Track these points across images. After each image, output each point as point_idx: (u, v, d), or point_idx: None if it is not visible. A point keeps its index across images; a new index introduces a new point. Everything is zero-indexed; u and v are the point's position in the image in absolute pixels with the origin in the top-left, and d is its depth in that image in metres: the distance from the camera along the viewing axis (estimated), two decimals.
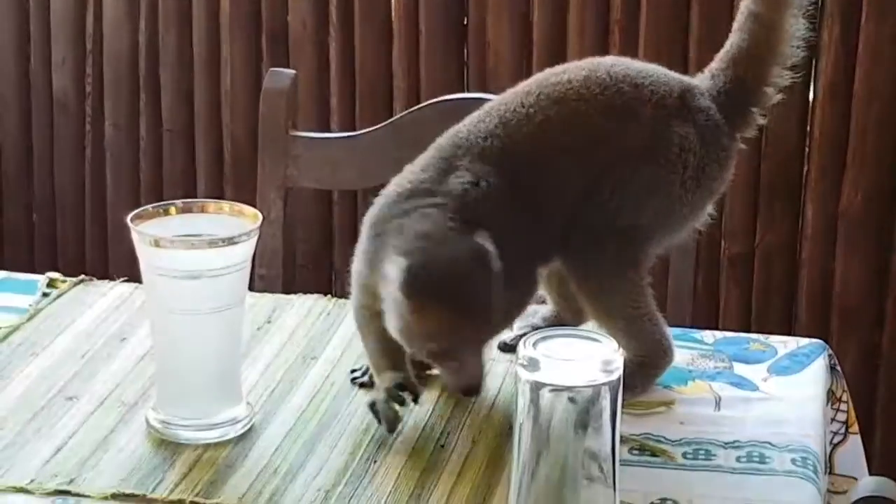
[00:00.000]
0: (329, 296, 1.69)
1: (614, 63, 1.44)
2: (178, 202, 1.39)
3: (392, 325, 1.34)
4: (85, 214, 2.92)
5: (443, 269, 1.30)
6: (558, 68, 1.45)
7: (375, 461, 1.36)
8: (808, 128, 2.51)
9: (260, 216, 1.37)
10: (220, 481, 1.32)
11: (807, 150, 2.53)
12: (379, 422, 1.39)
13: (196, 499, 1.29)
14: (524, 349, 1.16)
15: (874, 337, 2.55)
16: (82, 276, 1.70)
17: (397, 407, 1.39)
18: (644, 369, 1.46)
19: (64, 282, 1.68)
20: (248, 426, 1.40)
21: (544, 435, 1.17)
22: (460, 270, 1.30)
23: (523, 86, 1.46)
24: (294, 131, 1.95)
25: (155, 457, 1.36)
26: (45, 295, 1.65)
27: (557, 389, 1.14)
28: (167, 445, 1.37)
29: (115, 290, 1.67)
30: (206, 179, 2.81)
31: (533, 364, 1.14)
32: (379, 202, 1.41)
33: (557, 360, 1.14)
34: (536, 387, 1.14)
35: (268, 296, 1.69)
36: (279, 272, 1.96)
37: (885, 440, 2.58)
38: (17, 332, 1.57)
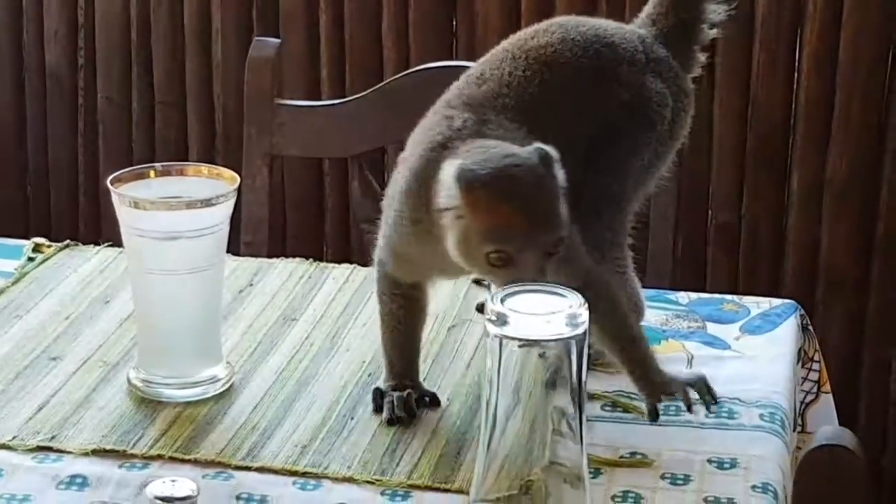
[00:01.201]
0: (311, 260, 1.71)
1: (577, 23, 1.45)
2: (158, 165, 1.42)
3: (452, 240, 1.27)
4: (78, 187, 2.94)
5: (500, 162, 1.24)
6: (526, 32, 1.45)
7: (353, 418, 1.39)
8: (794, 97, 2.53)
9: (238, 179, 1.39)
10: (199, 437, 1.35)
11: (792, 119, 2.55)
12: (377, 409, 1.38)
13: (175, 454, 1.32)
14: (491, 304, 1.18)
15: (860, 303, 2.57)
16: (68, 242, 1.72)
17: (403, 414, 1.37)
18: None
19: (49, 247, 1.71)
20: (228, 385, 1.43)
21: (512, 390, 1.20)
22: (519, 166, 1.24)
23: (500, 52, 1.44)
24: (279, 100, 1.97)
25: (135, 414, 1.38)
26: (30, 259, 1.68)
27: (524, 343, 1.16)
28: (148, 403, 1.40)
29: (99, 255, 1.70)
30: (198, 151, 2.83)
31: (500, 319, 1.17)
32: (414, 159, 1.34)
33: (524, 314, 1.17)
34: (504, 341, 1.17)
35: (251, 260, 1.72)
36: (265, 239, 1.99)
37: (869, 407, 2.60)
38: (2, 295, 1.60)
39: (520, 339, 1.17)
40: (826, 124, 2.51)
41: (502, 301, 1.18)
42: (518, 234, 1.23)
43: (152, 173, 1.41)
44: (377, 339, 1.51)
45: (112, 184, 1.37)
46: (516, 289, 1.21)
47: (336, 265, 1.70)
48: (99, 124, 2.90)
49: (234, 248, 1.81)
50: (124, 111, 2.88)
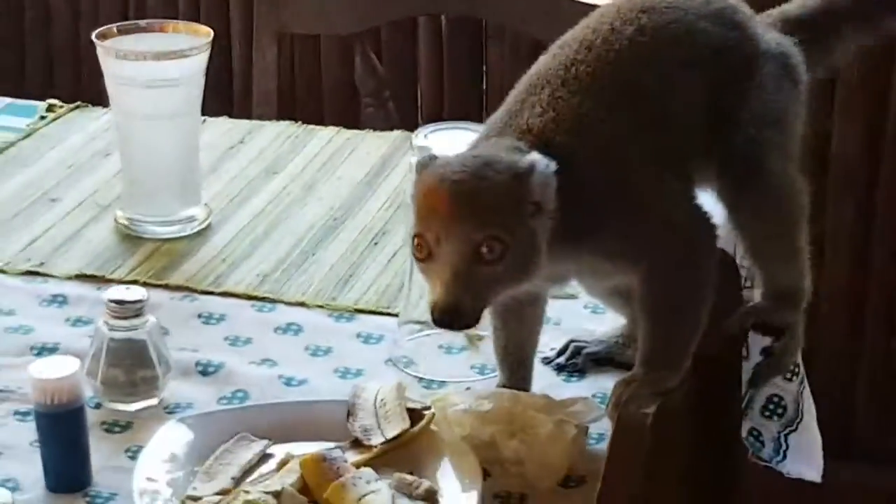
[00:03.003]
0: (300, 122, 1.84)
1: None
2: (141, 22, 1.55)
3: None
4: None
5: (461, 157, 1.13)
6: None
7: (314, 254, 1.52)
8: None
9: (211, 33, 1.52)
10: (173, 268, 1.49)
11: None
12: None
13: (148, 280, 1.46)
14: (416, 139, 1.31)
15: None
16: (78, 103, 1.87)
17: None
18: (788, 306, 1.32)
19: (62, 107, 1.85)
20: (205, 224, 1.57)
21: None
22: (479, 166, 1.11)
23: (593, 14, 1.26)
24: None
25: (118, 248, 1.53)
26: (42, 118, 1.82)
27: None
28: (131, 239, 1.54)
29: (107, 115, 1.83)
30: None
31: (424, 152, 1.29)
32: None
33: (447, 149, 1.29)
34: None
35: (243, 121, 1.85)
36: (274, 111, 2.12)
37: None
38: (13, 148, 1.75)
39: None
40: None
41: (426, 137, 1.31)
42: (438, 219, 1.10)
43: (135, 29, 1.54)
44: (348, 190, 1.65)
45: (97, 38, 1.51)
46: (439, 126, 1.34)
47: (322, 127, 1.83)
48: None
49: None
50: None
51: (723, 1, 1.27)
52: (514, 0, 2.03)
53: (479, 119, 2.63)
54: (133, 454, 1.20)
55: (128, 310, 1.24)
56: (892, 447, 2.52)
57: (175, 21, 1.56)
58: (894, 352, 2.59)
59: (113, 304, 1.24)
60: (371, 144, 1.78)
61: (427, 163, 1.15)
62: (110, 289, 1.27)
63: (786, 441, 1.55)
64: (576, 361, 1.32)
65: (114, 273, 1.48)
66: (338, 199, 1.64)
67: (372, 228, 1.57)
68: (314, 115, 2.03)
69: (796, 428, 1.56)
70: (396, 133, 1.80)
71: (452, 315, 1.10)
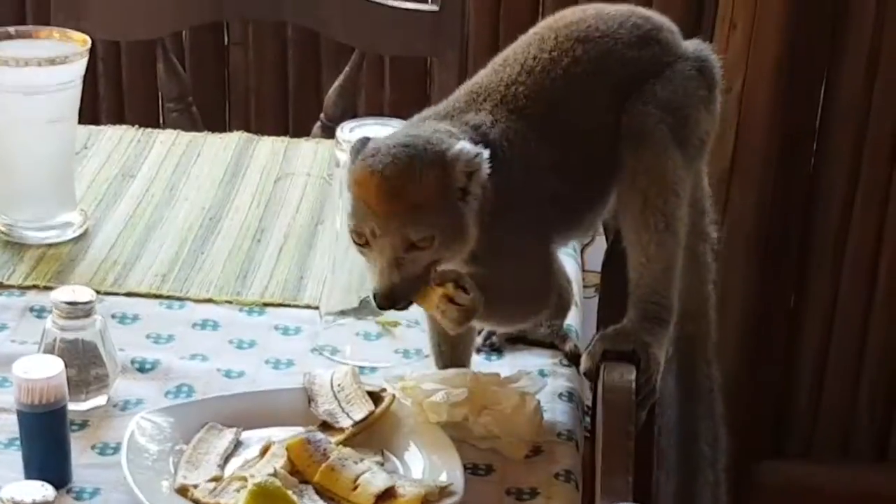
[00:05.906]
0: (137, 127, 1.85)
1: (605, 4, 1.40)
2: (13, 28, 1.54)
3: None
4: None
5: (394, 142, 1.20)
6: (564, 13, 1.38)
7: (203, 253, 1.55)
8: None
9: (88, 41, 1.53)
10: (67, 271, 1.50)
11: None
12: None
13: (49, 283, 1.46)
14: (342, 133, 1.37)
15: None
16: None
17: None
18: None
19: None
20: (84, 228, 1.57)
21: None
22: (408, 157, 1.18)
23: (529, 35, 1.36)
24: None
25: (3, 254, 1.52)
26: None
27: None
28: (12, 245, 1.54)
29: None
30: None
31: (350, 147, 1.36)
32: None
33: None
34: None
35: (80, 127, 1.84)
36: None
37: None
38: None
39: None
40: None
41: (351, 131, 1.38)
42: (371, 214, 1.18)
43: (10, 34, 1.53)
44: (212, 191, 1.69)
45: None
46: (361, 122, 1.41)
47: (161, 131, 1.84)
48: None
49: None
50: None
51: (649, 23, 1.37)
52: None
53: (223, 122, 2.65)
54: (101, 450, 1.23)
55: (79, 310, 1.26)
56: None
57: (48, 28, 1.56)
58: None
59: (64, 305, 1.25)
60: (214, 146, 1.81)
61: (359, 147, 1.21)
62: (57, 290, 1.27)
63: None
64: (493, 341, 1.42)
65: (10, 279, 1.47)
66: (206, 199, 1.67)
67: (249, 227, 1.61)
68: (117, 120, 2.03)
69: None
70: (237, 134, 1.84)
71: (391, 298, 1.20)
